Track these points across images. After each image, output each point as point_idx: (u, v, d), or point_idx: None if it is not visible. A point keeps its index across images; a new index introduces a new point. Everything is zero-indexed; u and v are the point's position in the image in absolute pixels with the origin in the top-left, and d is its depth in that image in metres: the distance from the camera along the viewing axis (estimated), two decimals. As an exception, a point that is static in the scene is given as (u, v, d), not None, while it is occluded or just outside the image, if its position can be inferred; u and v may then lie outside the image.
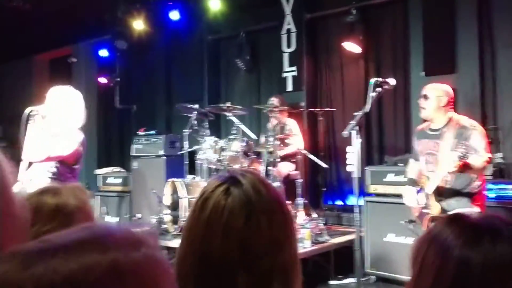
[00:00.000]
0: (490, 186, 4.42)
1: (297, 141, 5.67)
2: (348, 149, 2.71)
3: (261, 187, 0.94)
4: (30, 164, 3.42)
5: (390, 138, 6.13)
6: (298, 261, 0.95)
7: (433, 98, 3.47)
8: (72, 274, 0.48)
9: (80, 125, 3.54)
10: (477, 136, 3.27)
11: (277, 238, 0.90)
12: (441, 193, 3.39)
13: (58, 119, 3.45)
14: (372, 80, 2.79)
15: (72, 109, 3.52)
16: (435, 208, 3.44)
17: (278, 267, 0.89)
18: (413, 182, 3.67)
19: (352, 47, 6.03)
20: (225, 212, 0.90)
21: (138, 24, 7.62)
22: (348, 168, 2.70)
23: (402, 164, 4.69)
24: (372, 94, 2.75)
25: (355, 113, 2.73)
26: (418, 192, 3.57)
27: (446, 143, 3.32)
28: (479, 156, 3.19)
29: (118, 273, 0.50)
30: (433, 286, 0.88)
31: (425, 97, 3.46)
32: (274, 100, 5.82)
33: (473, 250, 0.86)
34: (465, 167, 3.05)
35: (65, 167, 3.45)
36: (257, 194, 0.92)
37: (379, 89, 2.83)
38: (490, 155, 3.26)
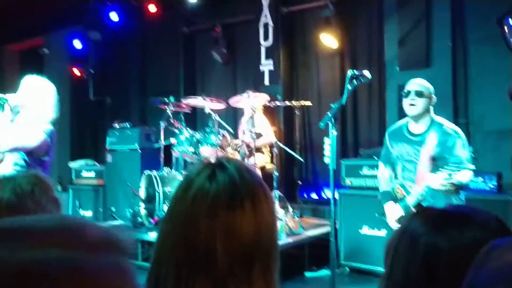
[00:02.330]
0: (461, 178, 4.53)
1: (268, 134, 5.67)
2: (325, 140, 2.70)
3: (245, 172, 0.95)
4: None
5: (364, 132, 6.21)
6: (277, 246, 0.96)
7: (427, 95, 3.15)
8: (29, 267, 0.45)
9: (51, 118, 3.44)
10: (462, 146, 3.06)
11: (260, 222, 0.91)
12: None
13: (28, 109, 3.36)
14: (350, 72, 2.78)
15: (44, 101, 3.43)
16: None
17: (260, 250, 0.90)
18: (389, 196, 3.32)
19: (328, 41, 6.07)
20: (210, 194, 0.90)
21: (113, 15, 7.51)
22: (326, 160, 2.68)
23: (377, 157, 4.76)
24: (349, 86, 2.75)
25: (332, 105, 2.74)
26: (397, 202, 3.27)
27: (428, 148, 3.06)
28: (465, 170, 3.03)
29: (77, 275, 0.48)
30: (404, 276, 0.90)
31: (420, 94, 3.11)
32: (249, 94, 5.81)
33: (439, 236, 0.88)
34: (456, 188, 2.93)
35: (34, 159, 3.36)
36: (242, 178, 0.93)
37: (355, 81, 2.81)
38: (473, 167, 3.12)
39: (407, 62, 5.42)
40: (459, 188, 2.94)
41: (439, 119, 3.17)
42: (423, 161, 3.01)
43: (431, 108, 3.17)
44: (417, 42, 5.38)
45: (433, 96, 3.19)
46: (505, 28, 3.64)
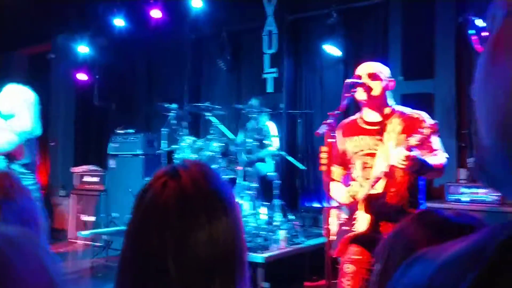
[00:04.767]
0: (463, 190, 4.50)
1: (275, 143, 5.68)
2: (321, 149, 2.64)
3: (202, 180, 0.90)
4: None
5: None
6: (243, 257, 0.91)
7: (384, 78, 2.70)
8: None
9: (29, 128, 3.49)
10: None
11: (216, 234, 0.86)
12: (377, 210, 2.60)
13: (7, 115, 3.44)
14: (348, 81, 2.72)
15: (23, 111, 3.50)
16: (362, 222, 2.63)
17: (220, 264, 0.86)
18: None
19: (332, 49, 6.07)
20: (160, 206, 0.87)
21: (119, 21, 7.55)
22: (321, 168, 2.61)
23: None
24: (346, 95, 2.70)
25: (329, 113, 2.70)
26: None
27: (390, 137, 2.60)
28: (437, 155, 2.56)
29: None
30: None
31: (374, 76, 2.66)
32: (254, 102, 5.82)
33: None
34: (418, 166, 2.39)
35: (14, 163, 3.44)
36: (196, 188, 0.88)
37: (354, 90, 2.74)
38: (447, 154, 2.62)
39: (411, 72, 5.40)
40: (423, 168, 2.44)
41: (399, 107, 2.74)
42: (384, 152, 2.57)
43: (390, 96, 2.75)
44: (421, 52, 5.37)
45: (391, 79, 2.73)
46: (471, 31, 3.47)
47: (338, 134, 2.86)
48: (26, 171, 3.39)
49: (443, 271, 0.49)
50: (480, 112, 0.52)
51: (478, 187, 4.45)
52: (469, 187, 4.50)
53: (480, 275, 0.43)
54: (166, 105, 5.66)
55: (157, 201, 0.87)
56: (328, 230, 2.63)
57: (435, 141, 2.58)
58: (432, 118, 2.68)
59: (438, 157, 2.57)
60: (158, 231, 0.85)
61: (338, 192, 2.77)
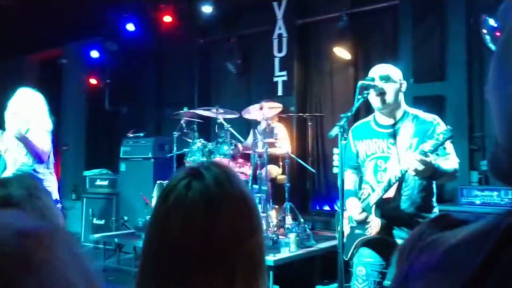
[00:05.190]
0: (476, 192, 4.46)
1: (285, 145, 5.67)
2: (334, 151, 2.63)
3: (224, 180, 0.94)
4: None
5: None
6: (263, 252, 0.95)
7: (397, 81, 2.68)
8: None
9: (49, 126, 3.57)
10: None
11: (239, 230, 0.90)
12: (389, 214, 2.61)
13: (26, 120, 3.51)
14: (360, 83, 2.71)
15: (40, 111, 3.58)
16: (375, 226, 2.64)
17: (242, 258, 0.89)
18: (353, 194, 2.82)
19: (342, 53, 6.06)
20: (185, 204, 0.90)
21: (130, 26, 7.61)
22: (334, 170, 2.59)
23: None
24: (359, 97, 2.69)
25: (342, 115, 2.70)
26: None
27: (403, 140, 2.60)
28: (449, 159, 2.56)
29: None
30: None
31: (387, 78, 2.64)
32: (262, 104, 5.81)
33: None
34: (431, 171, 2.39)
35: (39, 163, 3.50)
36: (219, 187, 0.92)
37: (367, 92, 2.73)
38: (458, 159, 2.62)
39: (421, 74, 5.38)
40: (436, 173, 2.44)
41: (413, 110, 2.71)
42: (396, 155, 2.57)
43: (402, 96, 2.72)
44: (432, 54, 5.34)
45: (403, 81, 2.72)
46: (484, 30, 3.43)
47: (351, 136, 2.84)
48: (49, 170, 3.46)
49: (456, 250, 0.49)
50: (493, 111, 0.52)
51: (491, 190, 4.41)
52: (482, 190, 4.47)
53: (494, 248, 0.43)
54: (176, 109, 5.69)
55: (183, 199, 0.91)
56: (342, 233, 2.62)
57: (448, 146, 2.55)
58: (444, 120, 2.67)
59: (451, 161, 2.56)
60: (183, 227, 0.89)
61: (353, 207, 2.75)
